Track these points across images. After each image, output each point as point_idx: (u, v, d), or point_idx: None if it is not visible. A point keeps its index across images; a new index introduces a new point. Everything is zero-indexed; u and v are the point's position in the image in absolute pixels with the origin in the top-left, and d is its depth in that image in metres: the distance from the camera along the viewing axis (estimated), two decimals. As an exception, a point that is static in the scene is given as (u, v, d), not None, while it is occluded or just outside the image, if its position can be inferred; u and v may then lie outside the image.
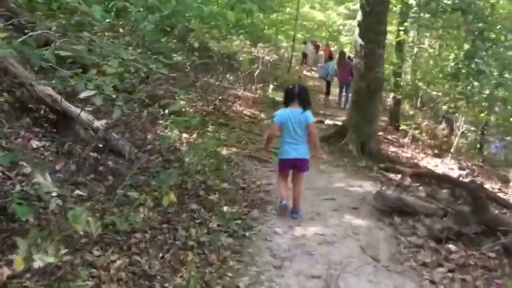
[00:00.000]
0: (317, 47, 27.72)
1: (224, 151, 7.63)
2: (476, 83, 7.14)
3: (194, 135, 8.02)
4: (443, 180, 7.34)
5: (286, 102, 5.37)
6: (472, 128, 18.12)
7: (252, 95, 13.64)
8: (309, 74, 24.99)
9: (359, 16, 8.39)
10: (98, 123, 6.04)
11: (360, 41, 8.35)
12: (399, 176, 7.35)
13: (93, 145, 6.03)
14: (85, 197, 4.80)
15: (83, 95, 3.06)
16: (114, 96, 3.66)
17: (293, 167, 5.41)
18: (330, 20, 26.90)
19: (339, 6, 27.53)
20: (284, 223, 5.21)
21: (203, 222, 4.84)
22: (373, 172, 7.43)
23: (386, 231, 5.25)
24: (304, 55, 27.45)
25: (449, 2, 6.23)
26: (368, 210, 5.77)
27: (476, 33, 6.60)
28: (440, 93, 10.27)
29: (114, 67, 4.33)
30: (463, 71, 7.00)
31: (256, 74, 15.01)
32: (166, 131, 7.70)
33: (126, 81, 6.33)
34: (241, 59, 5.40)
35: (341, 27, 24.66)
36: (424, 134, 11.74)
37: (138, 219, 4.32)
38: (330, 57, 25.70)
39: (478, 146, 14.32)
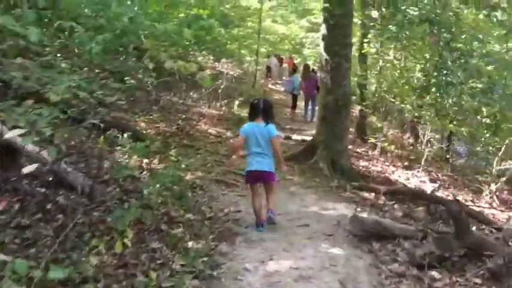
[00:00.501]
0: (281, 60, 27.57)
1: (188, 176, 7.10)
2: (445, 95, 6.86)
3: (156, 161, 7.47)
4: (418, 196, 7.02)
5: (251, 117, 5.42)
6: (437, 136, 18.20)
7: (217, 112, 13.18)
8: (273, 87, 24.72)
9: (323, 29, 8.06)
10: (46, 155, 5.44)
11: (325, 55, 8.01)
12: (373, 194, 6.98)
13: (41, 179, 5.44)
14: (30, 241, 4.24)
15: (6, 136, 2.53)
16: (52, 132, 3.14)
17: (260, 179, 5.47)
18: (292, 33, 26.77)
19: (300, 19, 27.49)
20: (255, 256, 4.72)
21: (165, 263, 4.30)
22: (346, 192, 7.04)
23: (366, 260, 4.82)
24: (268, 68, 27.23)
25: (416, 13, 5.94)
26: (344, 236, 5.34)
27: (442, 44, 6.35)
28: (408, 105, 10.04)
29: (58, 94, 3.81)
30: (432, 83, 6.70)
31: (220, 90, 14.56)
32: (125, 157, 7.12)
33: (73, 109, 5.80)
34: (203, 76, 4.82)
35: (304, 40, 24.53)
36: (392, 146, 11.48)
37: (90, 267, 3.77)
38: (294, 70, 25.62)
39: (447, 155, 14.26)
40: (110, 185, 6.08)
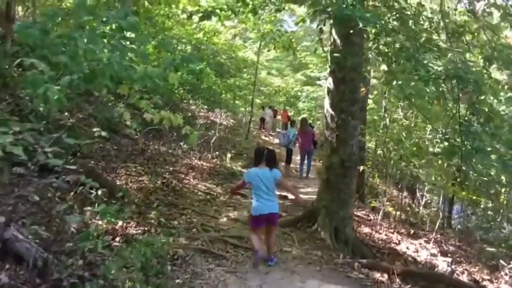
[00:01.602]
0: (275, 112, 26.85)
1: (170, 244, 5.91)
2: (470, 163, 5.84)
3: (133, 223, 6.29)
4: (437, 280, 5.87)
5: (256, 163, 5.71)
6: (435, 198, 17.18)
7: (207, 164, 12.07)
8: (267, 139, 23.78)
9: (329, 83, 7.14)
10: (-5, 217, 4.30)
11: (330, 111, 7.05)
12: (386, 275, 5.80)
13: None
14: None
15: None
16: None
17: (266, 222, 5.62)
18: (287, 86, 26.17)
19: (295, 73, 27.00)
20: None
21: None
22: (354, 271, 5.85)
23: None
24: (263, 120, 26.45)
25: (440, 69, 5.02)
26: None
27: (466, 104, 5.42)
28: (417, 169, 9.03)
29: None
30: (454, 147, 5.70)
31: (212, 141, 13.54)
32: (97, 218, 5.93)
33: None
34: (189, 131, 3.75)
35: (299, 93, 23.86)
36: (393, 209, 10.41)
37: None
38: (290, 122, 24.78)
39: (449, 220, 13.21)
40: (72, 256, 4.89)
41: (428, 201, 16.09)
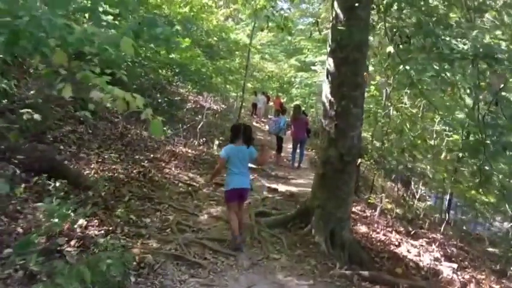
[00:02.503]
0: (268, 98, 25.80)
1: (136, 248, 4.93)
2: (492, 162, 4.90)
3: (96, 222, 5.29)
4: (450, 297, 4.95)
5: (233, 139, 5.62)
6: (432, 192, 16.29)
7: (193, 152, 11.06)
8: (259, 125, 22.77)
9: (328, 65, 6.10)
10: None
11: (329, 96, 6.03)
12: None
13: None
14: None
15: None
16: None
17: (240, 196, 5.66)
18: (281, 72, 25.05)
19: (289, 58, 25.87)
20: None
21: None
22: (352, 286, 4.90)
23: None
24: (255, 106, 25.40)
25: (465, 47, 4.04)
26: None
27: (497, 92, 4.44)
28: (422, 164, 8.07)
29: None
30: (477, 144, 4.74)
31: (199, 126, 12.50)
32: (55, 216, 4.91)
33: None
34: (153, 122, 2.72)
35: (292, 79, 22.77)
36: (390, 206, 9.50)
37: None
38: (281, 109, 23.66)
39: (444, 214, 12.32)
40: (10, 266, 3.90)
41: (424, 194, 15.24)
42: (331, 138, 6.03)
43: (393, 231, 8.51)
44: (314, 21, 14.80)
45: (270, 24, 10.64)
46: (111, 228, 5.26)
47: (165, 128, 11.86)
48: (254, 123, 22.78)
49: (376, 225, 8.41)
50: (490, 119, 4.37)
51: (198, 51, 14.84)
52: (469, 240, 10.23)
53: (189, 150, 10.97)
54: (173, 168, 9.02)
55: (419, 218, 11.25)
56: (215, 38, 17.51)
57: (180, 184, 8.06)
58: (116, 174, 7.27)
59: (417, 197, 12.88)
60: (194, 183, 8.31)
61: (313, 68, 17.86)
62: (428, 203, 14.74)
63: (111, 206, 5.96)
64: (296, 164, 13.38)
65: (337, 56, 5.92)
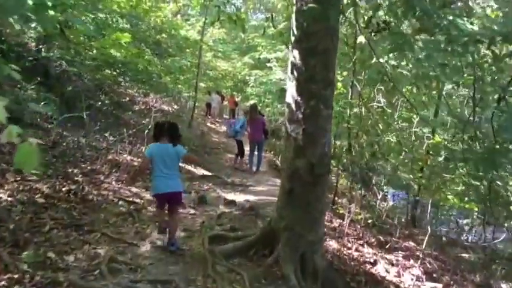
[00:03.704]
0: (222, 98, 24.53)
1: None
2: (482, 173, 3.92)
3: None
4: None
5: (157, 138, 5.11)
6: (392, 191, 15.57)
7: (139, 160, 9.65)
8: (213, 126, 21.47)
9: (293, 57, 4.93)
10: None
11: (295, 95, 4.86)
12: None
13: None
14: None
15: None
16: None
17: (169, 201, 5.11)
18: (235, 70, 23.81)
19: (243, 56, 24.68)
20: None
21: None
22: None
23: None
24: (209, 106, 24.07)
25: (474, 28, 3.01)
26: None
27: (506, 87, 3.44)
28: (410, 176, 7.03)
29: None
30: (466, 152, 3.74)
31: (147, 131, 11.07)
32: None
33: None
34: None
35: (247, 78, 21.58)
36: (360, 216, 8.51)
37: None
38: (236, 108, 22.52)
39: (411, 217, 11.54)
40: None
41: (386, 194, 14.49)
42: (298, 146, 4.87)
43: (365, 244, 7.50)
44: (267, 16, 13.60)
45: (221, 17, 9.43)
46: (16, 276, 3.88)
47: (106, 135, 10.41)
48: (209, 124, 21.46)
49: (346, 239, 7.36)
50: (504, 120, 3.36)
51: (144, 49, 13.43)
52: (441, 244, 9.40)
53: (135, 159, 9.56)
54: (113, 182, 7.61)
55: (386, 222, 10.38)
56: (164, 35, 16.11)
57: (120, 202, 6.69)
58: (38, 195, 5.83)
59: (379, 197, 12.05)
60: (137, 200, 6.95)
61: (268, 65, 16.74)
62: (391, 203, 14.00)
63: (23, 241, 4.55)
64: (254, 168, 12.24)
65: (303, 46, 4.75)
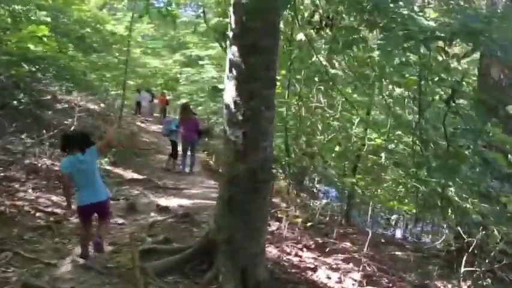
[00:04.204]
0: (153, 96, 23.59)
1: None
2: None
3: None
4: None
5: (69, 151, 4.47)
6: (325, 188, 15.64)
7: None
8: (144, 125, 20.53)
9: (232, 55, 4.49)
10: None
11: (234, 96, 4.43)
12: None
13: None
14: None
15: None
16: None
17: (96, 212, 4.62)
18: (166, 67, 22.92)
19: (173, 53, 23.84)
20: None
21: None
22: None
23: None
24: (139, 104, 23.04)
25: (431, 24, 2.76)
26: None
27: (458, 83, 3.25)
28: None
29: None
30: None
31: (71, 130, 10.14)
32: None
33: None
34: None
35: (178, 76, 20.82)
36: (298, 219, 8.27)
37: None
38: (166, 106, 21.69)
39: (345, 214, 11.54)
40: None
41: (319, 192, 14.52)
42: (238, 150, 4.44)
43: (304, 248, 7.25)
44: (198, 12, 12.99)
45: (150, 9, 8.80)
46: None
47: (22, 136, 9.41)
48: (138, 123, 20.48)
49: (285, 244, 7.06)
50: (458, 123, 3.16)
51: (67, 44, 12.37)
52: (376, 243, 9.40)
53: (56, 163, 8.67)
54: (30, 191, 6.78)
55: (321, 222, 10.27)
56: (88, 29, 15.00)
57: (37, 214, 5.92)
58: None
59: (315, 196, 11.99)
60: (57, 211, 6.20)
61: (200, 63, 16.18)
62: (324, 201, 14.03)
63: None
64: (187, 169, 11.71)
65: (242, 44, 4.33)
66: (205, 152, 15.24)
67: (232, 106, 4.44)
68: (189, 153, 11.65)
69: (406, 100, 4.81)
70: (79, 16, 14.35)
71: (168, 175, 11.14)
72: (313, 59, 5.29)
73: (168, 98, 23.99)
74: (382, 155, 5.96)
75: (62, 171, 4.63)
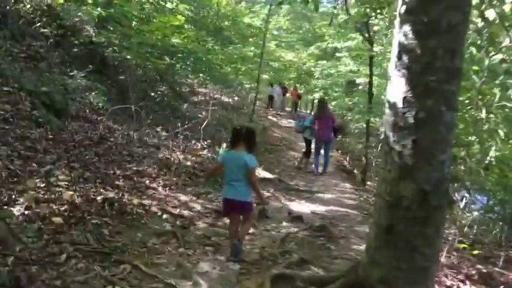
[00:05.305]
0: (285, 90, 23.02)
1: None
2: None
3: None
4: None
5: (232, 144, 4.63)
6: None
7: (194, 159, 8.41)
8: (275, 119, 20.02)
9: (404, 36, 3.23)
10: None
11: (404, 91, 3.21)
12: None
13: None
14: None
15: None
16: None
17: (234, 209, 4.59)
18: (299, 61, 22.12)
19: (307, 47, 22.92)
20: None
21: None
22: None
23: None
24: (271, 98, 22.67)
25: None
26: None
27: None
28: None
29: None
30: None
31: (203, 126, 9.80)
32: None
33: None
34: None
35: (312, 69, 19.84)
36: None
37: None
38: (299, 100, 21.02)
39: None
40: None
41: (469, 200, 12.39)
42: (404, 164, 3.26)
43: (466, 280, 5.75)
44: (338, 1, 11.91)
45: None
46: None
47: (158, 129, 9.26)
48: (270, 117, 20.04)
49: (443, 274, 5.65)
50: None
51: (205, 38, 12.19)
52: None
53: (189, 157, 8.31)
54: (160, 188, 6.36)
55: (476, 241, 8.46)
56: (226, 22, 14.81)
57: (164, 216, 5.40)
58: (62, 208, 4.62)
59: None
60: (185, 213, 5.64)
61: (337, 55, 14.97)
62: (475, 213, 11.93)
63: (29, 276, 3.33)
64: (320, 170, 10.71)
65: (420, 20, 3.13)
66: (339, 151, 14.06)
67: (399, 105, 3.27)
68: (322, 152, 10.65)
69: None
70: (218, 9, 14.20)
71: (300, 175, 10.26)
72: (505, 42, 3.81)
73: (300, 92, 23.23)
74: None
75: (217, 159, 5.01)
